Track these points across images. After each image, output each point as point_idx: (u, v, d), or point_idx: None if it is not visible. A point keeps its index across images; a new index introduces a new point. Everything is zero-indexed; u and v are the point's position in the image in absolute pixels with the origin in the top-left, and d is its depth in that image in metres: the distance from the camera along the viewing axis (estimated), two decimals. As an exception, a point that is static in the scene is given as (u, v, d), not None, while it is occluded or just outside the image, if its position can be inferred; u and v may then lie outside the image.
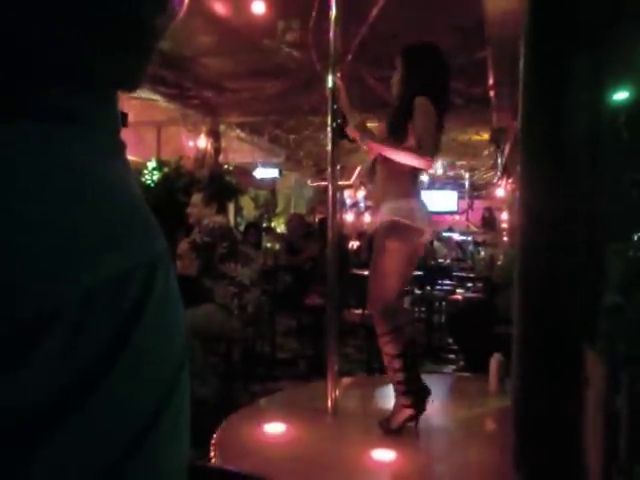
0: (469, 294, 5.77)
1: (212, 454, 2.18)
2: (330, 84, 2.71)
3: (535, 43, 1.76)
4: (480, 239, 8.70)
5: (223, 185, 6.08)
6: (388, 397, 2.68)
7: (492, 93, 5.04)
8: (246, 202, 10.14)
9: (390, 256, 2.48)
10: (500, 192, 8.33)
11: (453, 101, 2.79)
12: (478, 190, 11.55)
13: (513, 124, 5.23)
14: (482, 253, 7.44)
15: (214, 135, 7.05)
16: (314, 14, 3.39)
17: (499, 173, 7.68)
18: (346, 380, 3.43)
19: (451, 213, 11.62)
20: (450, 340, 5.21)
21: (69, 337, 0.29)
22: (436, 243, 7.80)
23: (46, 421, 0.29)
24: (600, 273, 1.63)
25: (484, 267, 6.04)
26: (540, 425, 1.73)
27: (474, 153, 8.44)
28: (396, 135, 2.49)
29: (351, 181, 11.30)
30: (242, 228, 7.23)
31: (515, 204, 2.29)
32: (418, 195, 2.58)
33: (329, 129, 2.73)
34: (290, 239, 6.19)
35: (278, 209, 11.27)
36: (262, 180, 9.60)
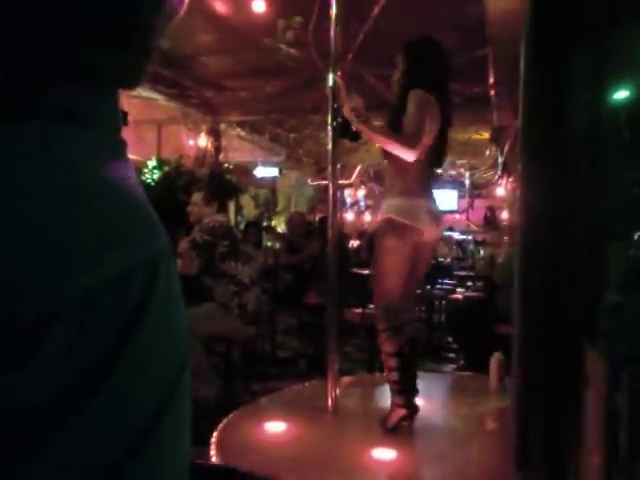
0: (469, 293, 5.77)
1: (212, 453, 2.18)
2: (330, 83, 2.70)
3: (536, 42, 1.75)
4: (481, 238, 8.70)
5: (223, 184, 6.08)
6: (388, 396, 2.68)
7: (492, 92, 5.03)
8: (246, 201, 10.15)
9: (388, 254, 2.48)
10: (500, 191, 8.33)
11: (452, 99, 2.75)
12: (478, 189, 11.54)
13: (513, 123, 5.23)
14: (482, 252, 7.43)
15: (214, 134, 7.05)
16: (315, 13, 3.38)
17: (499, 172, 7.67)
18: (346, 379, 3.43)
19: (451, 212, 11.62)
20: (450, 339, 5.22)
21: (71, 337, 0.29)
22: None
23: (48, 421, 0.29)
24: (600, 272, 1.63)
25: (484, 266, 6.03)
26: (540, 424, 1.73)
27: (474, 152, 8.43)
28: (394, 129, 2.47)
29: (351, 180, 11.29)
30: (242, 227, 7.23)
31: (515, 203, 2.29)
32: (422, 194, 2.51)
33: (329, 128, 2.73)
34: (290, 238, 6.20)
35: (278, 208, 11.27)
36: (262, 179, 9.60)
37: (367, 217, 12.93)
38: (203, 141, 6.95)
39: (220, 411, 2.73)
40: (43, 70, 0.33)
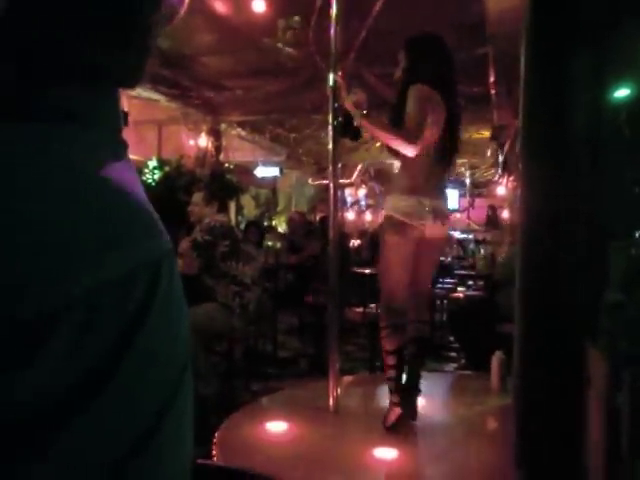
0: (470, 292, 5.77)
1: (214, 453, 2.18)
2: (331, 82, 2.70)
3: (536, 41, 1.75)
4: (482, 237, 8.69)
5: (224, 184, 6.08)
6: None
7: (493, 91, 5.03)
8: (247, 201, 10.15)
9: (388, 252, 2.48)
10: (501, 190, 8.32)
11: (460, 92, 2.71)
12: (479, 188, 11.53)
13: (514, 122, 5.22)
14: (482, 251, 7.43)
15: (215, 134, 7.05)
16: (316, 12, 3.38)
17: (500, 171, 7.67)
18: (347, 378, 3.43)
19: (452, 211, 11.61)
20: (451, 338, 5.21)
21: (74, 337, 0.29)
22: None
23: (52, 421, 0.29)
24: (601, 271, 1.63)
25: (485, 265, 6.03)
26: (541, 423, 1.72)
27: (475, 151, 8.42)
28: (395, 125, 2.45)
29: (352, 179, 11.29)
30: (243, 227, 7.23)
31: (516, 202, 2.28)
32: (426, 191, 2.46)
33: (330, 127, 2.73)
34: (291, 238, 6.20)
35: (279, 208, 11.27)
36: (263, 179, 9.59)
37: (368, 216, 12.93)
38: (203, 141, 6.95)
39: (221, 411, 2.73)
40: (43, 70, 0.33)
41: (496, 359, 3.12)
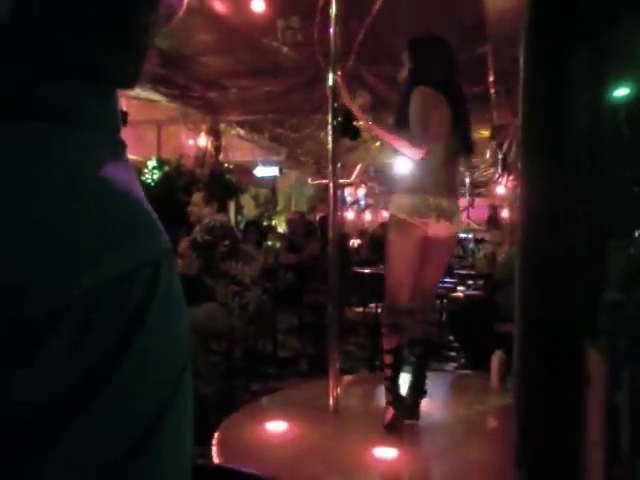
0: (470, 292, 5.77)
1: (214, 453, 2.18)
2: (330, 82, 2.70)
3: (535, 40, 1.75)
4: (483, 237, 8.70)
5: (223, 183, 6.09)
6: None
7: (492, 90, 5.03)
8: (247, 200, 10.15)
9: (390, 251, 2.48)
10: (501, 190, 8.32)
11: (465, 92, 2.70)
12: (479, 188, 11.53)
13: (513, 121, 5.23)
14: (482, 251, 7.43)
15: (214, 134, 7.05)
16: (319, 11, 3.37)
17: (499, 170, 7.67)
18: (347, 378, 3.43)
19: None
20: (451, 338, 5.21)
21: (75, 337, 0.29)
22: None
23: (53, 421, 0.29)
24: (601, 270, 1.63)
25: (485, 265, 6.03)
26: (541, 422, 1.73)
27: (475, 150, 8.41)
28: (400, 126, 2.45)
29: (352, 179, 11.29)
30: (242, 227, 7.23)
31: (516, 201, 2.28)
32: (432, 190, 2.43)
33: (329, 127, 2.73)
34: (291, 237, 6.20)
35: (279, 207, 11.27)
36: (262, 178, 9.59)
37: (367, 216, 12.93)
38: (203, 141, 6.95)
39: (221, 411, 2.73)
40: (43, 70, 0.33)
41: (496, 358, 3.12)
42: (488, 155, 8.19)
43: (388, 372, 2.48)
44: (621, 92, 1.70)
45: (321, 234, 5.42)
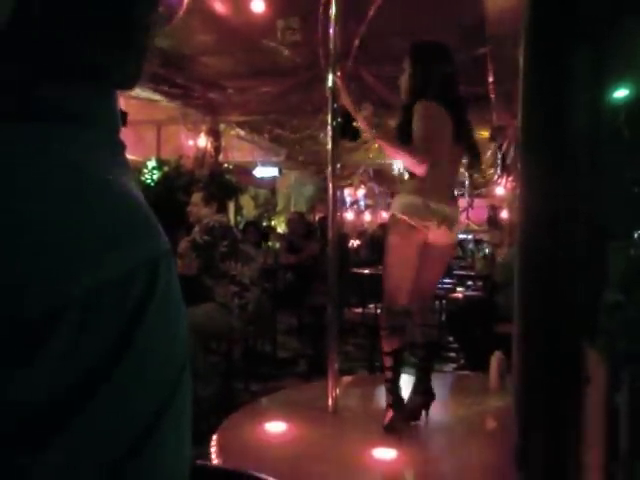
0: (469, 292, 5.77)
1: (213, 453, 2.18)
2: (330, 83, 2.70)
3: (535, 40, 1.75)
4: (484, 237, 8.70)
5: (223, 184, 6.09)
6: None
7: (492, 91, 5.04)
8: (246, 201, 10.16)
9: (389, 252, 2.47)
10: (500, 190, 8.32)
11: (465, 99, 2.70)
12: (478, 188, 11.54)
13: (513, 122, 5.23)
14: (481, 251, 7.44)
15: (214, 134, 7.06)
16: (321, 12, 3.37)
17: (499, 171, 7.67)
18: (347, 379, 3.44)
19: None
20: (451, 338, 5.22)
21: (74, 337, 0.29)
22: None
23: (52, 421, 0.29)
24: (600, 271, 1.63)
25: (484, 265, 6.04)
26: (541, 423, 1.73)
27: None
28: (403, 138, 2.45)
29: (351, 179, 11.30)
30: (242, 227, 7.24)
31: (515, 202, 2.28)
32: (434, 194, 2.44)
33: (329, 128, 2.73)
34: (290, 238, 6.20)
35: (278, 208, 11.28)
36: (262, 179, 9.60)
37: (367, 216, 12.95)
38: (203, 141, 6.95)
39: (220, 411, 2.73)
40: (43, 70, 0.33)
41: (495, 359, 3.12)
42: (488, 154, 8.19)
43: (388, 374, 2.48)
44: (621, 93, 1.71)
45: (321, 235, 5.43)
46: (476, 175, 10.69)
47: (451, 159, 2.55)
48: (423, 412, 2.56)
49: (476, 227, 10.83)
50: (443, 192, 2.50)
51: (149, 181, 5.82)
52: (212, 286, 3.41)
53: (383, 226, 5.80)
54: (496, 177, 8.43)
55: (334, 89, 2.69)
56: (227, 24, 4.37)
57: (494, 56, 4.30)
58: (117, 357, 0.31)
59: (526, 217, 1.82)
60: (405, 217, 2.40)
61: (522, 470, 1.76)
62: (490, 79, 4.78)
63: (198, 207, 3.58)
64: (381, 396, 2.72)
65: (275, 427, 2.48)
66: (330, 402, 2.68)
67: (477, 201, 11.26)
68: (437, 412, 2.62)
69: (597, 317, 1.57)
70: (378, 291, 2.61)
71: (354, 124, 2.71)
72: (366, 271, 4.91)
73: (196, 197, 3.63)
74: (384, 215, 10.39)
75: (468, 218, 11.31)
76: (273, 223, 10.30)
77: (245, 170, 8.57)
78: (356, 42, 4.06)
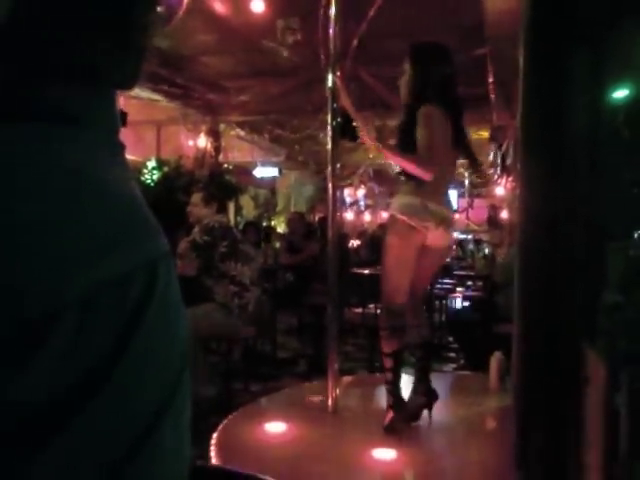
0: (469, 293, 5.77)
1: (212, 453, 2.18)
2: (330, 83, 2.70)
3: (534, 42, 1.75)
4: (484, 237, 8.70)
5: (223, 184, 6.09)
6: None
7: (491, 92, 5.04)
8: (246, 201, 10.16)
9: (388, 252, 2.47)
10: (500, 190, 8.32)
11: (464, 100, 2.70)
12: (478, 188, 11.54)
13: (513, 123, 5.23)
14: (481, 252, 7.44)
15: (214, 134, 7.05)
16: (322, 11, 3.36)
17: (499, 171, 7.67)
18: (346, 379, 3.43)
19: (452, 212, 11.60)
20: (450, 339, 5.22)
21: (73, 337, 0.29)
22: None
23: (51, 421, 0.29)
24: (600, 272, 1.63)
25: (484, 266, 6.04)
26: (540, 423, 1.73)
27: (474, 151, 8.42)
28: (404, 143, 2.44)
29: (351, 179, 11.30)
30: (242, 227, 7.24)
31: (515, 202, 2.28)
32: (432, 196, 2.45)
33: (329, 128, 2.73)
34: (290, 238, 6.20)
35: (278, 208, 11.28)
36: (262, 179, 9.60)
37: (367, 217, 12.94)
38: (202, 141, 6.95)
39: (220, 411, 2.73)
40: (43, 70, 0.33)
41: (495, 359, 3.12)
42: (491, 156, 8.19)
43: (389, 376, 2.48)
44: (620, 94, 1.71)
45: (321, 235, 5.43)
46: (474, 175, 10.70)
47: (448, 162, 2.55)
48: (426, 412, 2.55)
49: (476, 227, 10.83)
50: (440, 194, 2.51)
51: (149, 181, 5.81)
52: (212, 286, 3.41)
53: (383, 226, 5.79)
54: (496, 177, 8.43)
55: (334, 89, 2.69)
56: (227, 24, 4.37)
57: (494, 57, 4.30)
58: (116, 358, 0.31)
59: (526, 218, 1.82)
60: (404, 218, 2.40)
61: (521, 470, 1.76)
62: (490, 79, 4.78)
63: (198, 207, 3.58)
64: (381, 396, 2.72)
65: (275, 427, 2.48)
66: (330, 402, 2.68)
67: (477, 201, 11.27)
68: (437, 412, 2.61)
69: (596, 318, 1.57)
70: (378, 291, 2.61)
71: (354, 124, 2.71)
72: (366, 271, 4.91)
73: (196, 197, 3.63)
74: (384, 215, 10.38)
75: (468, 218, 11.32)
76: (273, 223, 10.29)
77: (245, 170, 8.57)
78: (355, 42, 4.06)
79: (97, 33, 0.35)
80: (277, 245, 6.67)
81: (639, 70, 1.71)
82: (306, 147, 8.45)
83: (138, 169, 5.80)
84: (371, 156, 8.57)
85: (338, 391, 2.72)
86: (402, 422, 2.46)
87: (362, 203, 13.09)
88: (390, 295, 2.49)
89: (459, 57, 2.87)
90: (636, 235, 1.71)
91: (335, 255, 2.76)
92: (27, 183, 0.31)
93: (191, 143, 6.93)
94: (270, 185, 10.73)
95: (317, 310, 4.53)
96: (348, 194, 12.28)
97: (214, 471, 0.80)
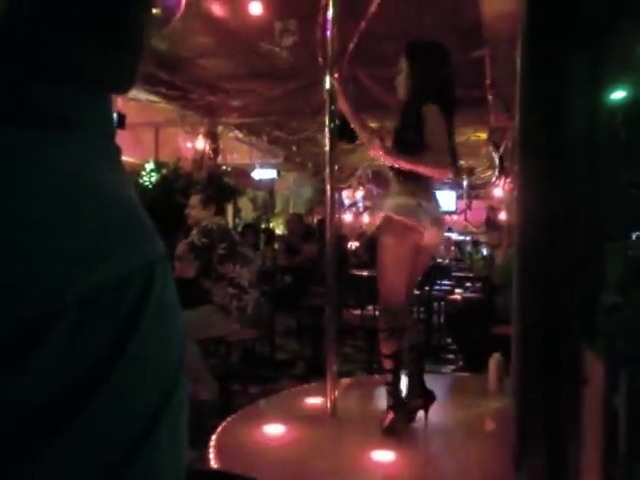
0: (468, 294, 5.78)
1: (211, 456, 2.17)
2: (327, 85, 2.70)
3: (532, 44, 1.76)
4: (483, 239, 8.70)
5: (221, 186, 6.09)
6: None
7: (489, 93, 5.05)
8: (244, 203, 10.15)
9: (385, 253, 2.47)
10: (498, 192, 8.33)
11: (459, 100, 2.69)
12: (476, 190, 11.55)
13: (511, 124, 5.24)
14: (479, 253, 7.45)
15: (212, 136, 7.05)
16: (321, 13, 3.36)
17: (497, 173, 7.68)
18: (345, 381, 3.43)
19: (449, 213, 11.64)
20: (449, 340, 5.22)
21: (71, 337, 0.29)
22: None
23: (52, 421, 0.29)
24: (598, 273, 1.63)
25: (483, 267, 6.04)
26: (539, 424, 1.73)
27: (472, 153, 8.44)
28: (407, 143, 2.43)
29: (350, 182, 11.30)
30: (240, 229, 7.23)
31: (513, 204, 2.29)
32: (424, 195, 2.46)
33: (327, 130, 2.73)
34: (289, 240, 6.20)
35: (277, 210, 11.28)
36: (260, 181, 9.60)
37: (365, 218, 12.94)
38: (201, 143, 6.95)
39: (219, 414, 2.73)
40: (37, 71, 0.33)
41: (493, 361, 3.12)
42: (492, 159, 8.19)
43: (389, 377, 2.47)
44: (618, 95, 1.71)
45: (319, 237, 5.43)
46: (474, 177, 10.70)
47: None
48: (423, 414, 2.55)
49: (474, 229, 10.84)
50: (430, 193, 2.53)
51: (147, 183, 5.80)
52: (210, 288, 3.40)
53: (379, 227, 5.79)
54: (494, 179, 8.43)
55: (331, 91, 2.69)
56: (225, 26, 4.38)
57: (492, 58, 4.31)
58: (113, 359, 0.31)
59: (524, 219, 1.82)
60: (401, 218, 2.40)
61: (520, 471, 1.76)
62: (488, 81, 4.79)
63: (196, 209, 3.58)
64: (380, 398, 2.72)
65: (274, 429, 2.47)
66: (328, 404, 2.68)
67: (475, 202, 11.28)
68: (436, 414, 2.61)
69: (595, 318, 1.58)
70: (376, 293, 2.62)
71: (352, 126, 2.71)
72: (364, 273, 4.91)
73: (194, 199, 3.63)
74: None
75: (466, 220, 11.32)
76: (272, 225, 10.29)
77: (243, 172, 8.57)
78: (353, 44, 4.07)
79: (92, 33, 0.35)
80: (276, 247, 6.67)
81: (636, 71, 1.72)
82: (304, 149, 8.45)
83: (136, 171, 5.79)
84: (369, 158, 8.57)
85: (337, 393, 2.71)
86: (402, 423, 2.46)
87: (361, 205, 13.09)
88: (388, 296, 2.49)
89: (457, 58, 2.87)
90: (634, 236, 1.71)
91: (333, 257, 2.76)
92: (27, 183, 0.31)
93: (189, 145, 6.92)
94: (268, 187, 10.73)
95: (316, 312, 4.52)
96: (347, 196, 12.28)
97: (212, 474, 0.80)
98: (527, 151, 1.83)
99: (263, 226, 9.21)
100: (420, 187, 2.47)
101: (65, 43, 0.33)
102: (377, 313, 2.69)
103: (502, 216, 7.46)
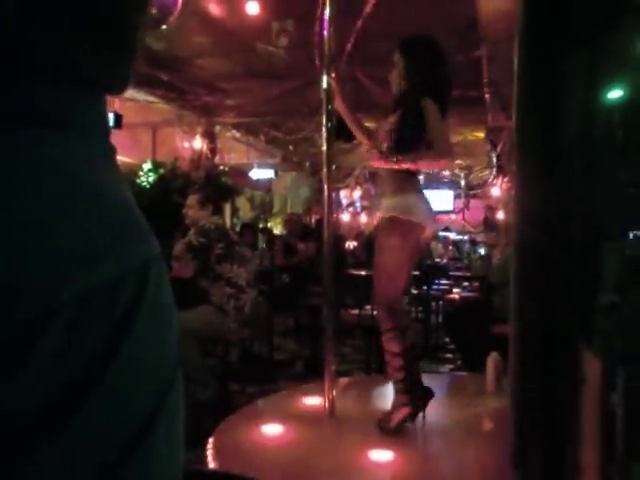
0: (466, 293, 5.78)
1: (209, 456, 2.17)
2: (325, 85, 2.70)
3: (529, 43, 1.76)
4: (480, 238, 8.72)
5: (219, 186, 6.08)
6: (385, 397, 2.68)
7: (487, 93, 5.05)
8: (242, 203, 10.15)
9: (391, 253, 2.47)
10: (496, 191, 8.35)
11: (455, 99, 2.70)
12: (474, 189, 11.57)
13: (508, 123, 5.25)
14: (476, 253, 7.46)
15: (209, 136, 7.05)
16: (319, 12, 3.36)
17: (494, 172, 7.69)
18: (343, 380, 3.43)
19: (447, 212, 11.65)
20: (447, 339, 5.22)
21: (66, 336, 0.29)
22: (432, 242, 7.84)
23: (48, 421, 0.29)
24: (595, 272, 1.64)
25: (481, 266, 6.05)
26: (537, 423, 1.73)
27: (469, 152, 8.45)
28: (407, 142, 2.43)
29: (347, 181, 11.31)
30: (238, 229, 7.23)
31: (511, 203, 2.29)
32: (417, 191, 2.53)
33: (324, 129, 2.73)
34: (287, 239, 6.20)
35: (274, 210, 11.28)
36: (258, 181, 9.60)
37: (363, 218, 12.95)
38: (198, 143, 6.95)
39: (217, 414, 2.72)
40: (31, 72, 0.33)
41: (491, 360, 3.12)
42: (488, 157, 8.21)
43: (401, 375, 2.47)
44: (614, 95, 1.71)
45: (317, 236, 5.43)
46: (471, 176, 10.70)
47: None
48: (421, 413, 2.55)
49: (472, 228, 10.86)
50: (419, 187, 2.60)
51: (145, 183, 5.79)
52: (208, 288, 3.40)
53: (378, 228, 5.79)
54: (491, 178, 8.44)
55: (329, 91, 2.69)
56: (222, 26, 4.37)
57: (489, 58, 4.32)
58: (108, 359, 0.31)
59: (521, 218, 1.83)
60: (407, 217, 2.42)
61: (519, 470, 1.76)
62: (485, 80, 4.79)
63: (194, 209, 3.58)
64: (378, 398, 2.72)
65: (271, 429, 2.47)
66: (326, 404, 2.68)
67: (473, 202, 11.29)
68: (434, 413, 2.62)
69: (592, 318, 1.58)
70: (374, 293, 2.62)
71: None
72: (362, 272, 4.91)
73: (192, 199, 3.62)
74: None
75: (464, 219, 11.34)
76: (269, 225, 10.29)
77: (241, 172, 8.57)
78: (350, 44, 4.07)
79: (86, 34, 0.34)
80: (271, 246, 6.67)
81: (633, 71, 1.72)
82: (302, 149, 8.45)
83: (134, 171, 5.78)
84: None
85: (335, 392, 2.71)
86: (412, 420, 2.47)
87: (358, 204, 13.10)
88: (393, 295, 2.50)
89: (455, 58, 2.88)
90: (631, 235, 1.71)
91: (331, 256, 2.76)
92: (24, 182, 0.31)
93: (187, 145, 6.92)
94: (266, 187, 10.73)
95: (313, 311, 4.52)
96: (344, 196, 12.28)
97: (211, 474, 0.80)
98: (524, 151, 1.83)
99: (261, 226, 9.21)
100: (414, 182, 2.53)
101: (59, 43, 0.33)
102: (375, 313, 2.69)
103: (500, 215, 7.47)
